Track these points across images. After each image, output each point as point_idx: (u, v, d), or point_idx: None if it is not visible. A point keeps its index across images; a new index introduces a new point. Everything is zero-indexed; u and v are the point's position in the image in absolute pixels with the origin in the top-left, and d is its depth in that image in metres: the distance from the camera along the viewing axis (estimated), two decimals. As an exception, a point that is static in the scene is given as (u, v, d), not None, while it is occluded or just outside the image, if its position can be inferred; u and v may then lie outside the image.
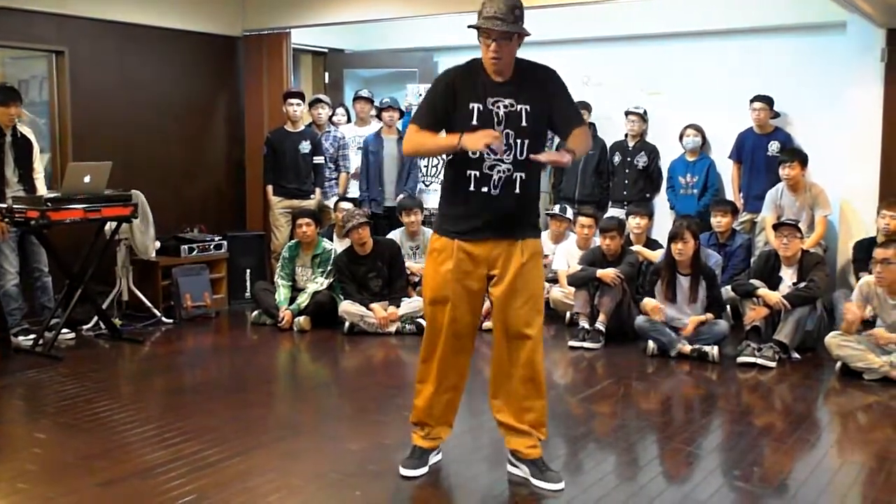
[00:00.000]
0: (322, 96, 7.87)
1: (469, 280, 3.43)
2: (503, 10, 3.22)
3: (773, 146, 6.91)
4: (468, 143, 3.22)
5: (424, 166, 7.74)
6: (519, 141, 3.35)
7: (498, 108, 3.34)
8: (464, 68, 3.42)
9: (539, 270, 3.50)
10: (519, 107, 3.35)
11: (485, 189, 3.36)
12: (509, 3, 3.24)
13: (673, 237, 5.70)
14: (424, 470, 3.59)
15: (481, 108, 3.34)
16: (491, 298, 3.51)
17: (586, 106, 7.72)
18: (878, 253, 5.20)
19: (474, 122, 3.32)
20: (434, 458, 3.67)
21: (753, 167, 7.01)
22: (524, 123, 3.35)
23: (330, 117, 7.81)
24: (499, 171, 3.35)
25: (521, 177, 3.37)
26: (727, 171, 7.28)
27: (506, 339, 3.47)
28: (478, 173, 3.36)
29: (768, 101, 6.92)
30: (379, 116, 7.73)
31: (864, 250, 6.09)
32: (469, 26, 3.34)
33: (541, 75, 3.43)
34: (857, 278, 5.83)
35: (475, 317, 3.54)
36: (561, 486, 3.44)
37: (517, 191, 3.38)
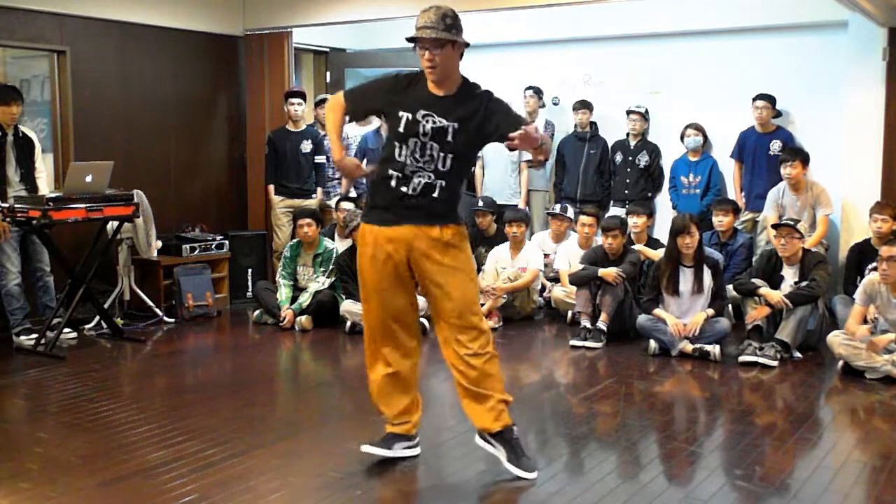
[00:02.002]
0: (329, 96, 7.86)
1: (392, 262, 3.50)
2: (433, 19, 3.37)
3: (775, 145, 6.90)
4: (341, 167, 3.72)
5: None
6: (443, 155, 3.46)
7: (427, 121, 3.44)
8: (411, 76, 3.54)
9: (467, 252, 3.57)
10: (447, 125, 3.44)
11: (403, 189, 3.47)
12: (439, 12, 3.39)
13: (680, 231, 5.67)
14: (386, 453, 3.66)
15: (410, 118, 3.45)
16: (423, 290, 3.57)
17: (587, 105, 7.74)
18: (885, 251, 5.19)
19: (400, 129, 3.46)
20: (406, 452, 3.71)
21: (755, 166, 7.00)
22: (449, 139, 3.45)
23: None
24: (419, 176, 3.46)
25: (441, 184, 3.48)
26: (729, 171, 7.28)
27: (449, 328, 3.51)
28: (400, 174, 3.47)
29: (770, 99, 6.91)
30: (379, 115, 7.73)
31: (856, 254, 6.09)
32: (406, 39, 3.46)
33: (479, 97, 3.51)
34: (854, 283, 5.81)
35: (407, 299, 3.60)
36: (534, 475, 3.50)
37: (435, 195, 3.48)
